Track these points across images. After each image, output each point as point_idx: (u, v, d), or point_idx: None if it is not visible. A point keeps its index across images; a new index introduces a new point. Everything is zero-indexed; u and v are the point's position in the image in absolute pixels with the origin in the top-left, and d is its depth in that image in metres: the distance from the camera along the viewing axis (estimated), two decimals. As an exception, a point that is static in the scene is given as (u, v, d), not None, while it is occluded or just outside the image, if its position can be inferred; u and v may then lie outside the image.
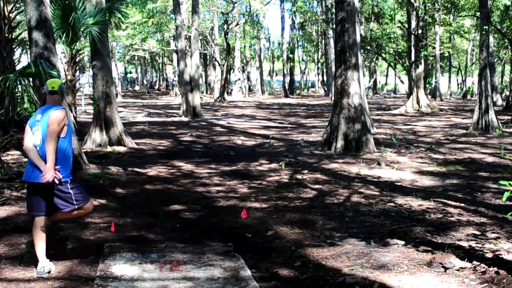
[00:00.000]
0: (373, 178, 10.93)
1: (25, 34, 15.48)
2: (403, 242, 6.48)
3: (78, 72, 20.01)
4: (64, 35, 15.47)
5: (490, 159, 13.40)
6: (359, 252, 6.20)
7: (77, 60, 17.29)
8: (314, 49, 71.17)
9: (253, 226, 7.24)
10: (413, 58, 32.41)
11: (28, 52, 12.37)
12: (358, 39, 17.70)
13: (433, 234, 6.84)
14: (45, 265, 5.38)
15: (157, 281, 5.26)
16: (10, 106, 10.11)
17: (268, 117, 28.72)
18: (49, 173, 5.13)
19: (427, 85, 37.37)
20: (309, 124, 23.62)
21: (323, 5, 50.59)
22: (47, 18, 10.76)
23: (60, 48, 16.76)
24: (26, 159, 11.99)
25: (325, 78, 64.52)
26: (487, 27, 20.58)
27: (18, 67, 16.39)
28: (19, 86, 10.53)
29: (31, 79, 10.61)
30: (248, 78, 63.48)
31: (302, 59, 76.02)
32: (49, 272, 5.38)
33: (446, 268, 5.57)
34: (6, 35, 17.01)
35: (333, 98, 17.98)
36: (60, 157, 5.33)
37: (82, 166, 11.15)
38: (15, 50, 18.12)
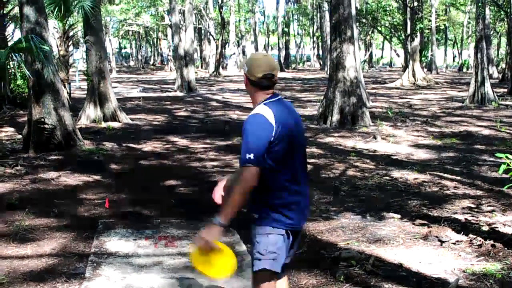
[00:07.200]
0: (369, 151, 10.91)
1: (17, 10, 15.28)
2: (399, 216, 6.47)
3: (72, 47, 19.84)
4: (56, 9, 15.30)
5: (486, 132, 13.38)
6: (355, 226, 6.18)
7: (70, 35, 17.12)
8: (309, 23, 70.53)
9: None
10: (408, 31, 32.18)
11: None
12: (354, 12, 17.51)
13: (429, 208, 6.83)
14: None
15: (152, 257, 5.23)
16: (2, 82, 9.97)
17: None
18: None
19: (422, 58, 37.16)
20: (304, 98, 23.50)
21: (319, -23, 50.09)
22: (38, -7, 10.59)
23: (53, 23, 16.59)
24: (20, 136, 11.91)
25: (320, 52, 64.08)
26: (483, -2, 20.41)
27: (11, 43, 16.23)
28: (11, 62, 10.38)
29: (23, 55, 10.47)
30: (243, 52, 62.96)
31: (298, 33, 75.48)
32: None
33: (442, 242, 5.57)
34: (-2, 10, 16.81)
35: (328, 72, 17.87)
36: None
37: (76, 142, 11.07)
38: (7, 25, 17.89)
